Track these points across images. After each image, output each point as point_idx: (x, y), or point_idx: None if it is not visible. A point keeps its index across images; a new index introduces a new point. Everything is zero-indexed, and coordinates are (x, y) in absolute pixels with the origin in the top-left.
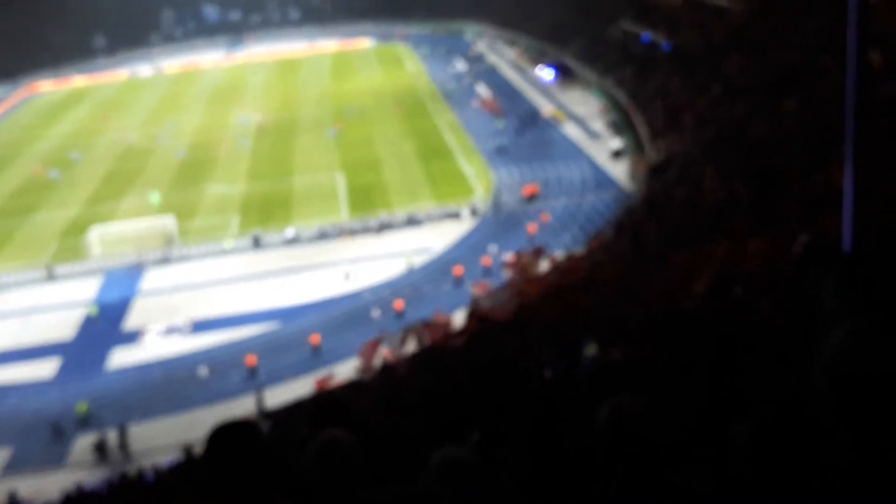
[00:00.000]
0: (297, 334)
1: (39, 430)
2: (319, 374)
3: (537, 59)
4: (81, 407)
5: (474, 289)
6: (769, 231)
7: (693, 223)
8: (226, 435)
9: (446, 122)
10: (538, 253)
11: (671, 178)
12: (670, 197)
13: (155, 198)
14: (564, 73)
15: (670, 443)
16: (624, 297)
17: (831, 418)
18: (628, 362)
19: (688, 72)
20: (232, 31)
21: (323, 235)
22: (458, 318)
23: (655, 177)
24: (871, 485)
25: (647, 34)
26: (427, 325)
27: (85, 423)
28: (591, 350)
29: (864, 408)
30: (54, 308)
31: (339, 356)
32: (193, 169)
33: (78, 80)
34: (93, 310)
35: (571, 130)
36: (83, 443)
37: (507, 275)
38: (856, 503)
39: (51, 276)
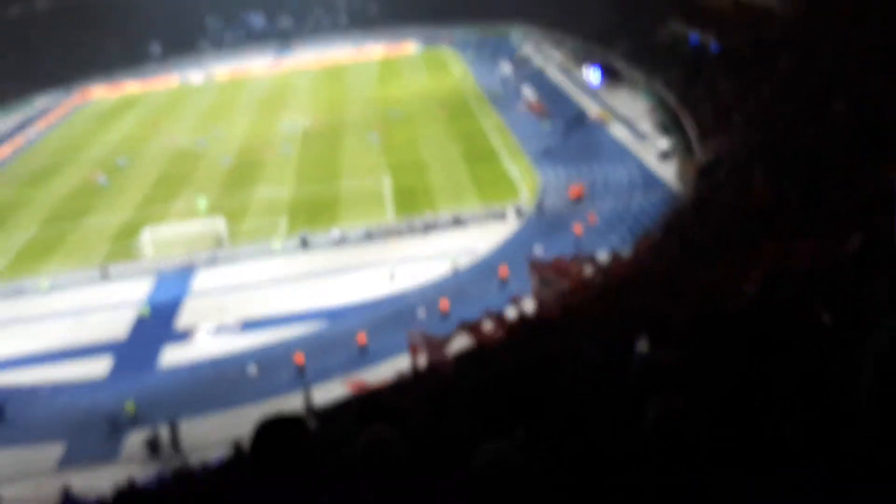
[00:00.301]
0: (344, 333)
1: (92, 426)
2: (366, 372)
3: (584, 60)
4: (130, 406)
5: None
6: (819, 232)
7: (742, 224)
8: (272, 429)
9: (492, 125)
10: (580, 260)
11: (720, 180)
12: (719, 198)
13: (202, 203)
14: (611, 75)
15: (716, 443)
16: (671, 298)
17: (877, 415)
18: (675, 362)
19: (737, 73)
20: (280, 37)
21: (369, 236)
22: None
23: (704, 178)
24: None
25: (695, 35)
26: (473, 325)
27: (133, 421)
28: (643, 347)
29: None
30: (107, 308)
31: (386, 355)
32: (243, 172)
33: (130, 87)
34: (144, 310)
35: (618, 131)
36: (135, 439)
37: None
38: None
39: (105, 276)
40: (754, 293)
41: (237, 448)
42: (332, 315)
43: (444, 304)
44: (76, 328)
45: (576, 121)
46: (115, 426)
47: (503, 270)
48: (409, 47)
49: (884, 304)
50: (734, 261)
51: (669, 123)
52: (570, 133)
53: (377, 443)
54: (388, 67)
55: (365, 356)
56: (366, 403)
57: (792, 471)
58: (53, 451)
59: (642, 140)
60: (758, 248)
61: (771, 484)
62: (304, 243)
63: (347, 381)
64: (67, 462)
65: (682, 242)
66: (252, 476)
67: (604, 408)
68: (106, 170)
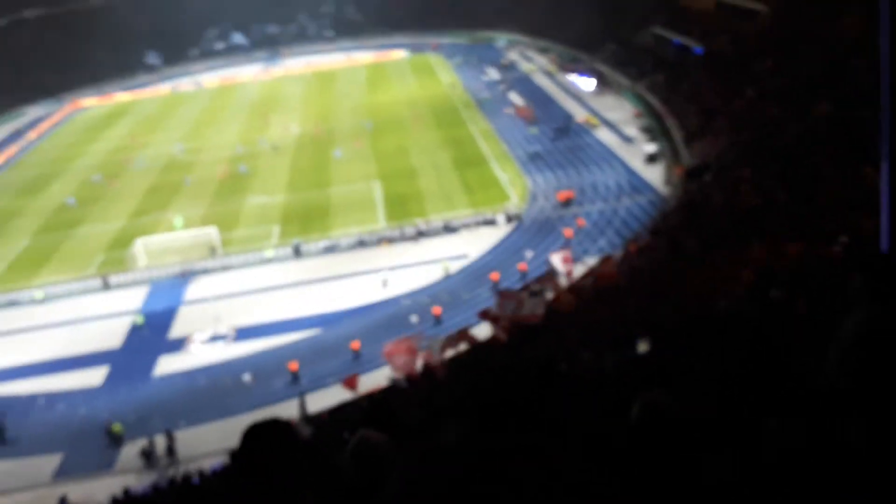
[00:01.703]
0: (337, 340)
1: (89, 436)
2: (360, 379)
3: (570, 65)
4: (117, 427)
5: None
6: (806, 233)
7: (730, 226)
8: (260, 433)
9: (480, 130)
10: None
11: (707, 182)
12: (706, 200)
13: (178, 221)
14: (597, 80)
15: (701, 437)
16: (662, 301)
17: (844, 395)
18: (663, 361)
19: (720, 75)
20: (269, 45)
21: (361, 244)
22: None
23: (691, 180)
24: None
25: (678, 38)
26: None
27: (119, 441)
28: (643, 346)
29: (875, 386)
30: (102, 318)
31: (380, 362)
32: (234, 181)
33: (120, 96)
34: (139, 319)
35: (605, 136)
36: (131, 449)
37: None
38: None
39: (99, 286)
40: (743, 295)
41: (233, 456)
42: (326, 322)
43: (437, 309)
44: (71, 338)
45: (563, 128)
46: (114, 438)
47: (494, 275)
48: (397, 54)
49: (859, 298)
50: (723, 262)
51: (655, 127)
52: (558, 139)
53: (363, 445)
54: (377, 74)
55: (359, 362)
56: (372, 409)
57: (776, 462)
58: (50, 462)
59: (629, 143)
60: (746, 250)
61: (755, 476)
62: (297, 251)
63: (342, 380)
64: (64, 472)
65: (671, 245)
66: (241, 479)
67: (595, 406)
68: (81, 185)
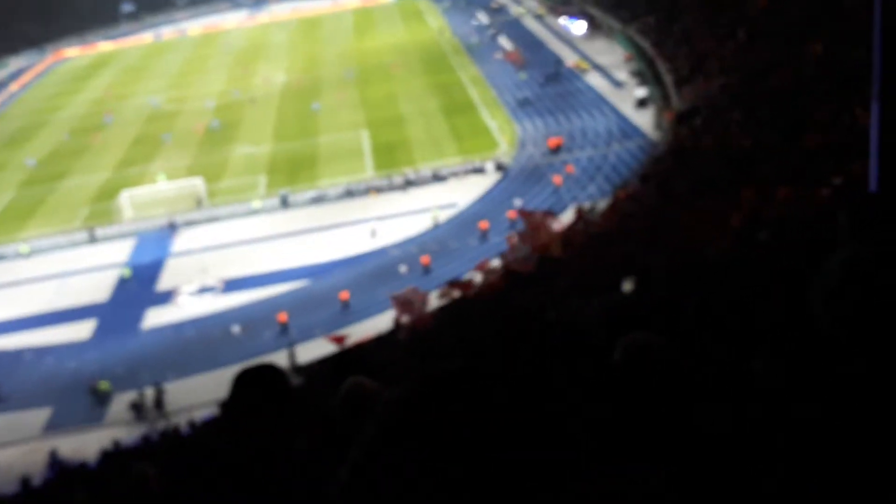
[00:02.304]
0: (326, 291)
1: (78, 390)
2: (349, 329)
3: (560, 8)
4: (104, 385)
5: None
6: (797, 177)
7: (720, 171)
8: (250, 377)
9: (469, 76)
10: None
11: (697, 126)
12: (697, 145)
13: (161, 178)
14: (587, 23)
15: (687, 379)
16: (651, 247)
17: (829, 335)
18: (650, 304)
19: (712, 17)
20: None
21: (349, 193)
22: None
23: (681, 125)
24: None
25: None
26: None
27: (106, 399)
28: (627, 286)
29: (859, 326)
30: (89, 271)
31: (369, 312)
32: (219, 131)
33: (103, 46)
34: (126, 272)
35: (595, 80)
36: (120, 402)
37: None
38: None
39: (85, 239)
40: (733, 239)
41: (224, 403)
42: (314, 273)
43: (426, 259)
44: (58, 292)
45: (553, 74)
46: (100, 396)
47: (483, 224)
48: None
49: (845, 237)
50: (713, 207)
51: (646, 71)
52: (548, 84)
53: (355, 390)
54: (364, 19)
55: (348, 313)
56: (343, 358)
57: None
58: (40, 416)
59: (619, 88)
60: (736, 194)
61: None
62: (285, 201)
63: (329, 336)
64: (54, 426)
65: (661, 190)
66: (231, 425)
67: (579, 349)
68: (58, 140)
